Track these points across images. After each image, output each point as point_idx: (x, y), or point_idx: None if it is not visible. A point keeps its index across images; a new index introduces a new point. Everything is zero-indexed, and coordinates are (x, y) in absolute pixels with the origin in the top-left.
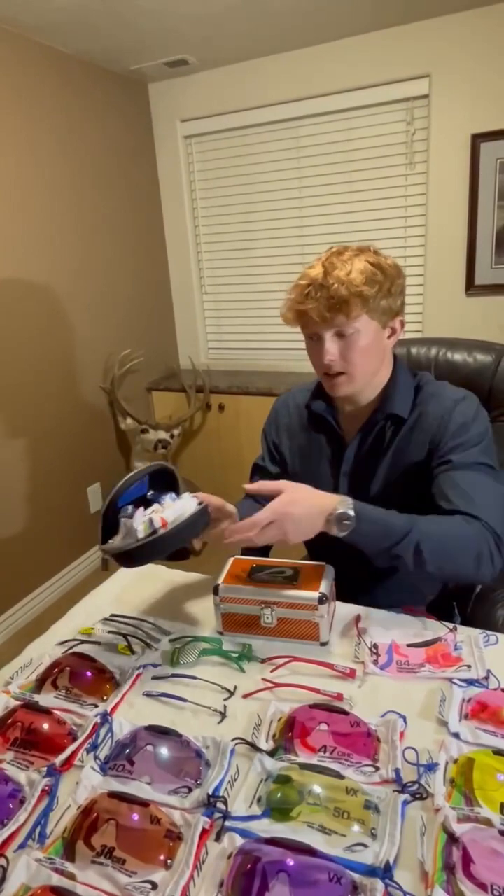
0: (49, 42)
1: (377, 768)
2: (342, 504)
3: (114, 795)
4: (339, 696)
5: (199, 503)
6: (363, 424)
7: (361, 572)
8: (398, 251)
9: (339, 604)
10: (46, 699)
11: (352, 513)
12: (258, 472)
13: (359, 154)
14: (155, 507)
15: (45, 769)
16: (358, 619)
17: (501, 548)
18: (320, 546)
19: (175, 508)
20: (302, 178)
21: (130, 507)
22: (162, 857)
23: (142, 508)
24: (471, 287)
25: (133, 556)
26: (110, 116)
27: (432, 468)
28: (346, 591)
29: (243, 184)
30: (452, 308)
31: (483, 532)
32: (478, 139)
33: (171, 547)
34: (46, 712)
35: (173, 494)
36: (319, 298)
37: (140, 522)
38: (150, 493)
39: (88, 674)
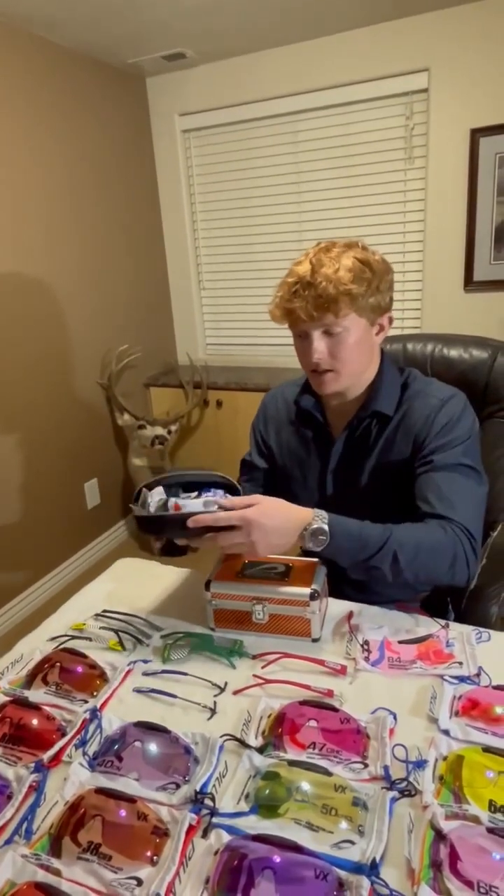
0: (46, 35)
1: (366, 765)
2: (317, 518)
3: (101, 791)
4: (330, 693)
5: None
6: (349, 421)
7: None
8: (397, 247)
9: (331, 600)
10: (36, 695)
11: (326, 527)
12: (246, 467)
13: (357, 149)
14: (185, 496)
15: (33, 765)
16: (350, 615)
17: (477, 551)
18: None
19: (195, 504)
20: (300, 172)
21: (180, 491)
22: (148, 854)
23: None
24: (469, 283)
25: (139, 523)
26: (108, 110)
27: (415, 467)
28: (338, 588)
29: (241, 178)
30: (451, 304)
31: (457, 536)
32: (477, 134)
33: (169, 529)
34: (36, 708)
35: (215, 491)
36: (307, 297)
37: (156, 500)
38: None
39: (79, 669)
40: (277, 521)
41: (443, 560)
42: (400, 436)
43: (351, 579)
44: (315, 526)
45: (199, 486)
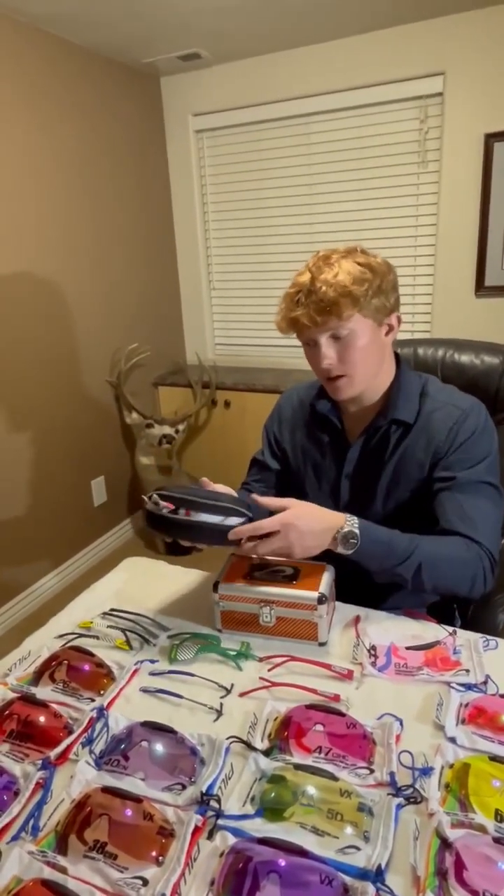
0: (62, 34)
1: (372, 771)
2: (348, 523)
3: (107, 790)
4: (336, 697)
5: (229, 526)
6: (367, 427)
7: (362, 573)
8: (408, 251)
9: (338, 604)
10: (43, 692)
11: (357, 531)
12: (257, 466)
13: (371, 152)
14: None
15: (39, 762)
16: (357, 619)
17: (495, 570)
18: None
19: (205, 516)
20: (312, 174)
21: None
22: (154, 854)
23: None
24: (480, 288)
25: (149, 518)
26: (122, 109)
27: (435, 479)
28: (346, 592)
29: (254, 180)
30: (462, 309)
31: (480, 556)
32: (491, 139)
33: (175, 531)
34: (43, 705)
35: (235, 519)
36: (308, 304)
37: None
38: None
39: (86, 668)
40: (313, 523)
41: (464, 577)
42: (419, 445)
43: (358, 584)
44: (347, 529)
45: (215, 510)
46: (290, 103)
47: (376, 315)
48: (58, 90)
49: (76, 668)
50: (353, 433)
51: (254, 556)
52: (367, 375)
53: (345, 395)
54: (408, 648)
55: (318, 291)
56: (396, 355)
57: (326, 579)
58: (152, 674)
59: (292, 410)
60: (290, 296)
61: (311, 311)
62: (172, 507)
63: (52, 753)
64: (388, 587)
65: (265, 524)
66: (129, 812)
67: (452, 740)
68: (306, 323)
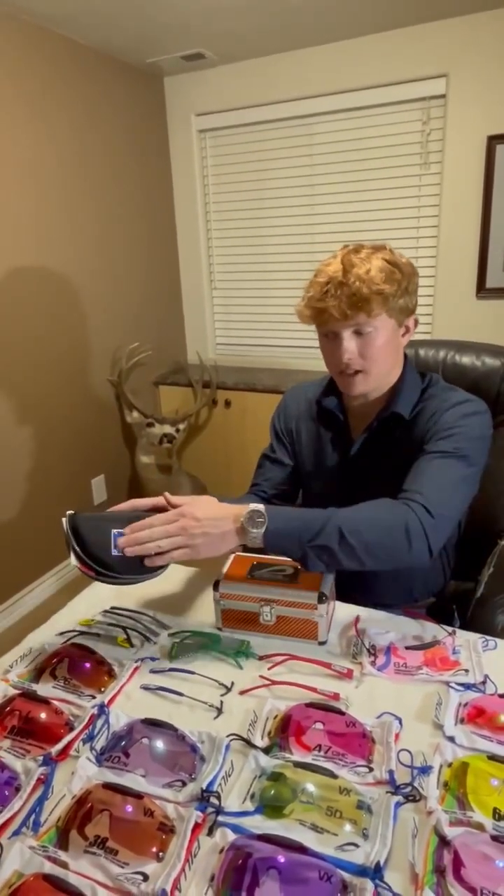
0: (66, 33)
1: (371, 769)
2: (252, 506)
3: (108, 787)
4: (336, 696)
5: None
6: (369, 423)
7: (362, 572)
8: (409, 252)
9: (338, 603)
10: (45, 689)
11: (263, 510)
12: (268, 463)
13: (373, 153)
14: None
15: (41, 758)
16: (357, 619)
17: (439, 527)
18: None
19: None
20: (315, 175)
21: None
22: (154, 850)
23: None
24: (482, 290)
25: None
26: (126, 108)
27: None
28: (346, 591)
29: (256, 180)
30: (462, 310)
31: (409, 507)
32: (494, 141)
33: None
34: (44, 702)
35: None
36: (340, 296)
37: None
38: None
39: (87, 665)
40: (211, 511)
41: (394, 532)
42: (415, 438)
43: (359, 583)
44: (252, 509)
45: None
46: (292, 104)
47: (399, 315)
48: (61, 89)
49: (77, 666)
50: (356, 429)
51: (144, 548)
52: (382, 373)
53: (357, 391)
54: (407, 648)
55: (350, 285)
56: (404, 355)
57: (327, 579)
58: (153, 671)
59: (297, 406)
60: (318, 284)
61: (343, 304)
62: (89, 571)
63: (54, 750)
64: (387, 586)
65: (156, 518)
66: (129, 808)
67: (451, 739)
68: (335, 315)
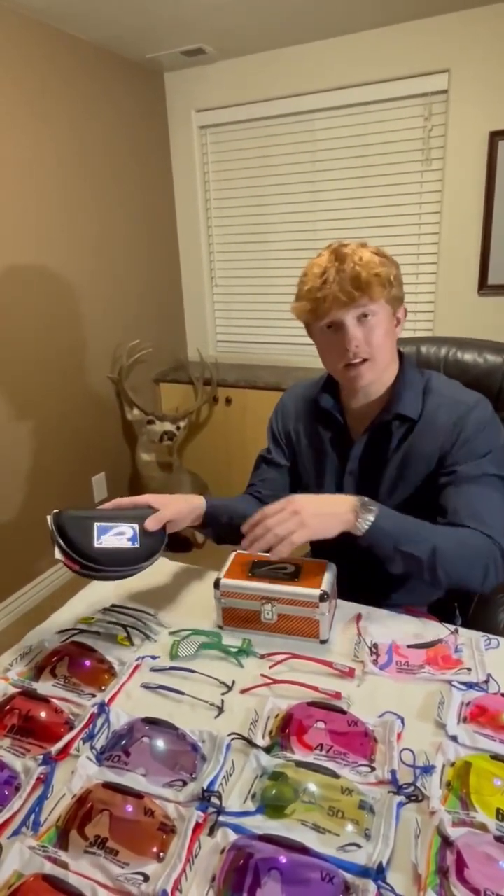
0: (66, 28)
1: (373, 769)
2: (362, 497)
3: (108, 786)
4: (338, 695)
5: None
6: (371, 423)
7: (364, 571)
8: (411, 248)
9: (340, 602)
10: (45, 687)
11: (371, 501)
12: (264, 465)
13: (374, 149)
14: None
15: (41, 757)
16: (359, 617)
17: None
18: (324, 542)
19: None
20: (316, 171)
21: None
22: (155, 850)
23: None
24: (483, 286)
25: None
26: (126, 104)
27: (441, 474)
28: (347, 590)
29: (257, 176)
30: (464, 307)
31: (492, 547)
32: (496, 136)
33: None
34: (44, 700)
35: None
36: (340, 280)
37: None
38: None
39: (87, 663)
40: (316, 497)
41: (478, 565)
42: (425, 441)
43: (360, 582)
44: (361, 497)
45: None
46: (293, 100)
47: (394, 303)
48: (61, 85)
49: (77, 664)
50: (356, 430)
51: (265, 541)
52: (385, 362)
53: (365, 381)
54: (409, 647)
55: (349, 270)
56: (399, 352)
57: (328, 577)
58: (153, 670)
59: (295, 407)
60: (314, 276)
61: (346, 285)
62: (77, 567)
63: (54, 749)
64: (389, 585)
65: (271, 507)
66: (129, 808)
67: (454, 739)
68: (341, 298)
